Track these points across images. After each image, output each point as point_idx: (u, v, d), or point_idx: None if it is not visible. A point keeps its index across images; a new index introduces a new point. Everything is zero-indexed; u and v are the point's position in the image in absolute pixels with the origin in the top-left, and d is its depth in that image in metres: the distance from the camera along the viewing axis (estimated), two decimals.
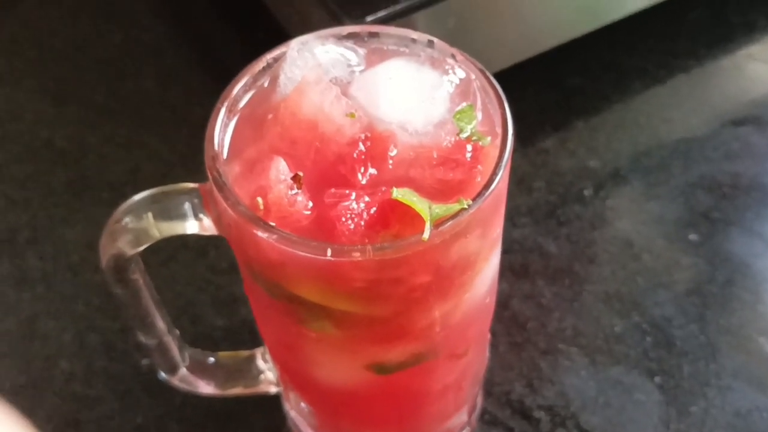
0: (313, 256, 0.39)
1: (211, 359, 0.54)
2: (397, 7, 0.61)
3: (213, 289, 0.66)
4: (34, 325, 0.64)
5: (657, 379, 0.60)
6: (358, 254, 0.38)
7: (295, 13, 0.69)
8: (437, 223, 0.39)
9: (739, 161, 0.72)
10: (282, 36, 0.72)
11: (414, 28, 0.62)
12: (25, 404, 0.59)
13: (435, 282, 0.42)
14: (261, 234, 0.39)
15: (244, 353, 0.55)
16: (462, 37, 0.67)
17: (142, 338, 0.50)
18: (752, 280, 0.65)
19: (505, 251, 0.64)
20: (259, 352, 0.55)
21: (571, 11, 0.73)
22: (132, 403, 0.60)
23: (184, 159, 0.73)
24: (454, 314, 0.45)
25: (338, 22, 0.60)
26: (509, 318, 0.64)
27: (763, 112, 0.76)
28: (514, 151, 0.43)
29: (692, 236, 0.68)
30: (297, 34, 0.65)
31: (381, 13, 0.60)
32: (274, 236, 0.39)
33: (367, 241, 0.39)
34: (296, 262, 0.39)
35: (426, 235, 0.38)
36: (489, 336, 0.55)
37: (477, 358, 0.53)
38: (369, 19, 0.60)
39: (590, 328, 0.63)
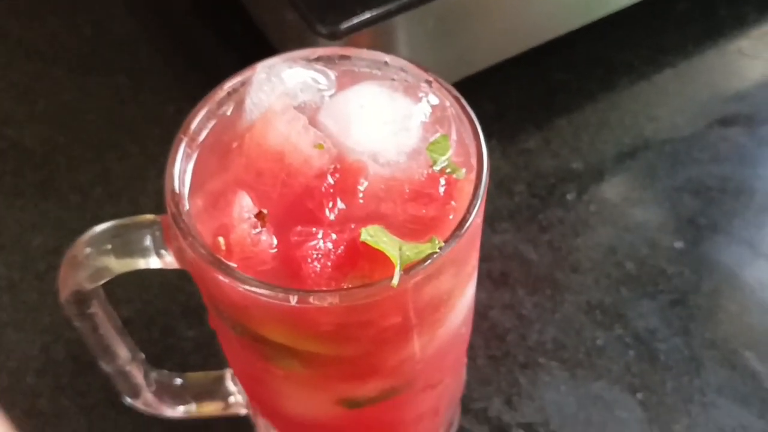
0: (277, 302, 0.37)
1: (178, 380, 0.52)
2: (375, 12, 0.58)
3: (183, 298, 0.64)
4: (0, 337, 0.62)
5: (639, 395, 0.59)
6: (324, 301, 0.36)
7: (268, 13, 0.67)
8: (408, 267, 0.37)
9: (728, 164, 0.70)
10: (257, 35, 0.71)
11: (393, 32, 0.60)
12: None
13: (407, 322, 0.40)
14: (222, 278, 0.37)
15: (213, 374, 0.54)
16: (442, 38, 0.65)
17: (104, 366, 0.48)
18: (739, 291, 0.64)
19: (485, 259, 0.62)
20: (228, 373, 0.54)
21: (557, 8, 0.71)
22: (100, 419, 0.59)
23: (156, 160, 0.70)
24: (428, 349, 0.43)
25: (312, 28, 0.58)
26: (488, 329, 0.62)
27: (752, 110, 0.74)
28: (495, 150, 0.41)
29: (678, 244, 0.66)
30: (272, 35, 0.63)
31: (357, 19, 0.57)
32: (236, 281, 0.37)
33: (334, 283, 0.38)
34: (260, 305, 0.38)
35: (395, 281, 0.36)
36: (465, 360, 0.53)
37: (453, 383, 0.51)
38: (344, 25, 0.57)
39: (571, 340, 0.62)
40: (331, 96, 0.43)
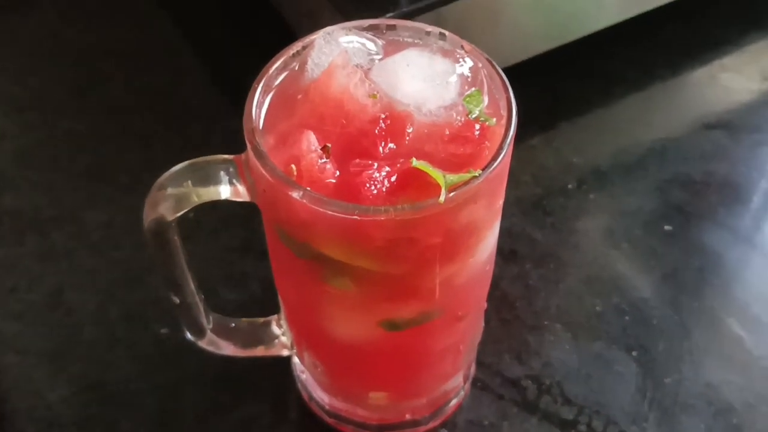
0: (341, 215, 0.44)
1: (232, 324, 0.59)
2: (396, 13, 0.67)
3: (225, 266, 0.71)
4: (59, 296, 0.69)
5: (634, 353, 0.66)
6: (381, 214, 0.44)
7: (302, 16, 0.75)
8: (450, 189, 0.44)
9: (712, 161, 0.78)
10: (285, 35, 0.79)
11: None
12: (52, 368, 0.64)
13: (445, 244, 0.47)
14: (296, 195, 0.44)
15: (261, 320, 0.60)
16: None
17: (175, 298, 0.55)
18: (722, 268, 0.71)
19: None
20: (273, 319, 0.60)
21: (557, 21, 0.79)
22: (151, 367, 0.65)
23: (196, 149, 0.77)
24: (459, 276, 0.50)
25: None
26: (499, 297, 0.69)
27: (734, 117, 0.82)
28: None
29: (667, 227, 0.73)
30: (302, 34, 0.71)
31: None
32: (309, 197, 0.44)
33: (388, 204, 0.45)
34: (325, 221, 0.45)
35: (442, 198, 0.43)
36: (486, 305, 0.60)
37: (474, 323, 0.58)
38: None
39: (574, 307, 0.69)
40: (379, 60, 0.51)
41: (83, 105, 0.82)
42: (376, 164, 0.45)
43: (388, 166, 0.45)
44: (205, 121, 0.80)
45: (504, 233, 0.71)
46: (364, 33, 0.52)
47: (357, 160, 0.46)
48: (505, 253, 0.71)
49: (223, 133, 0.77)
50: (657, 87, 0.85)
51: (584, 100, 0.83)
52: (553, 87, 0.84)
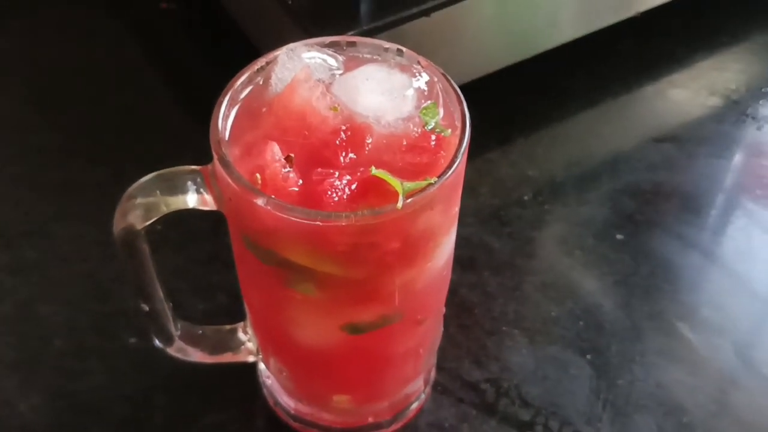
0: (304, 221, 0.46)
1: (200, 331, 0.61)
2: (357, 31, 0.70)
3: (192, 278, 0.72)
4: (30, 308, 0.70)
5: (588, 356, 0.69)
6: (342, 220, 0.46)
7: (265, 36, 0.78)
8: (408, 196, 0.46)
9: (661, 172, 0.82)
10: (250, 52, 0.81)
11: None
12: (23, 378, 0.66)
13: (404, 249, 0.49)
14: (260, 203, 0.46)
15: (227, 327, 0.62)
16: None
17: (144, 306, 0.57)
18: (672, 274, 0.74)
19: (454, 246, 0.72)
20: (240, 326, 0.62)
21: (514, 39, 0.82)
22: (120, 376, 0.67)
23: (164, 163, 0.79)
24: (418, 280, 0.53)
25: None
26: (458, 304, 0.71)
27: (682, 131, 0.86)
28: None
29: (619, 236, 0.76)
30: (266, 51, 0.74)
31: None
32: (273, 204, 0.46)
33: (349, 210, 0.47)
34: (289, 227, 0.47)
35: (400, 204, 0.46)
36: (444, 310, 0.63)
37: (433, 327, 0.61)
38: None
39: (530, 312, 0.71)
40: (340, 75, 0.53)
41: (53, 122, 0.83)
42: (337, 173, 0.48)
43: (349, 175, 0.48)
44: (173, 137, 0.82)
45: (462, 242, 0.74)
46: (326, 49, 0.54)
47: (319, 169, 0.48)
48: (463, 261, 0.74)
49: (191, 148, 0.78)
50: (609, 102, 0.88)
51: (540, 115, 0.86)
52: (509, 102, 0.87)
